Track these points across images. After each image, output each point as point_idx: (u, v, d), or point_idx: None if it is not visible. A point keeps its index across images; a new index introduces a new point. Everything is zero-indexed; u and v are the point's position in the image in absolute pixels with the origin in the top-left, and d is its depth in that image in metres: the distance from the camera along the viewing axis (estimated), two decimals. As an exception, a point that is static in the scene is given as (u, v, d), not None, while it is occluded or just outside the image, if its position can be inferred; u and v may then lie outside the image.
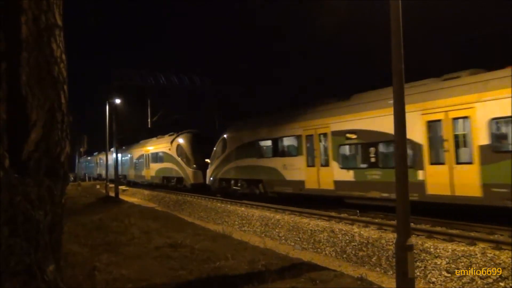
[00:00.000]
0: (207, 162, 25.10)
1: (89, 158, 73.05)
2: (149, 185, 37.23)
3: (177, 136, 29.40)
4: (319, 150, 16.00)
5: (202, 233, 12.08)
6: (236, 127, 22.82)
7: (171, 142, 29.44)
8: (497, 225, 10.79)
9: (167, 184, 31.45)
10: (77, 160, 71.80)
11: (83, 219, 15.02)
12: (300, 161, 16.89)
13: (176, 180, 29.30)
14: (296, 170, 17.05)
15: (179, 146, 28.29)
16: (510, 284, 7.63)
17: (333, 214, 15.14)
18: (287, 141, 18.22)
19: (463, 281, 8.28)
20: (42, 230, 1.75)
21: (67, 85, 2.04)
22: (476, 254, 8.65)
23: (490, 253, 8.55)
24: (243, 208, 18.70)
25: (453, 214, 12.08)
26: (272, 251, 9.91)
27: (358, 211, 14.81)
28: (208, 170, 24.40)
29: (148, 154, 34.81)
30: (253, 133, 20.43)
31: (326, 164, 15.68)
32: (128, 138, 47.26)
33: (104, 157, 48.49)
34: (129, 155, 41.72)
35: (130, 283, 6.88)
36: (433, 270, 8.96)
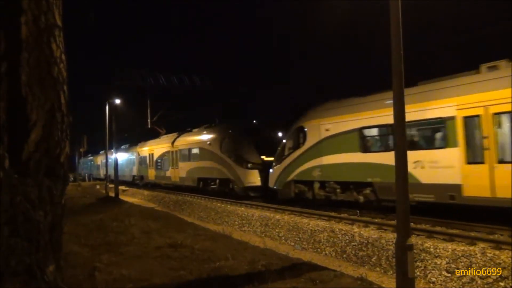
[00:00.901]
0: (264, 161, 20.80)
1: (92, 157, 69.30)
2: (152, 186, 36.87)
3: (220, 128, 24.66)
4: (492, 138, 10.88)
5: (202, 233, 12.08)
6: (324, 111, 16.59)
7: (212, 136, 24.46)
8: (497, 224, 10.79)
9: (203, 187, 25.50)
10: (77, 160, 71.16)
11: (83, 219, 15.02)
12: (451, 156, 11.72)
13: (220, 182, 23.60)
14: (442, 169, 12.04)
15: (224, 140, 23.05)
16: (510, 284, 7.64)
17: (333, 214, 15.14)
18: (424, 126, 12.87)
19: (463, 281, 8.28)
20: (43, 230, 1.75)
21: (67, 85, 2.04)
22: (476, 254, 8.65)
23: (490, 253, 8.56)
24: (243, 208, 18.70)
25: (453, 214, 12.09)
26: (272, 251, 9.91)
27: (358, 211, 14.81)
28: (273, 170, 18.73)
29: (175, 151, 28.95)
30: (357, 117, 14.73)
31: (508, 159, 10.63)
32: (128, 138, 47.06)
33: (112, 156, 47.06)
34: (147, 154, 35.56)
35: (131, 283, 6.88)
36: (433, 270, 8.96)
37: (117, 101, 31.95)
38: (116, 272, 7.50)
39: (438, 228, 11.47)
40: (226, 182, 22.81)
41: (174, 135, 31.10)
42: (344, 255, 11.33)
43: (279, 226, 14.68)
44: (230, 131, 23.32)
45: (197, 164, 25.98)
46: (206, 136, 25.17)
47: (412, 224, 11.08)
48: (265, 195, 20.52)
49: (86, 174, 71.28)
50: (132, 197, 33.35)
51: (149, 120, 38.44)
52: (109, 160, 39.38)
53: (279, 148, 18.87)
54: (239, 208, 18.78)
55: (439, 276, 8.74)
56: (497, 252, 8.58)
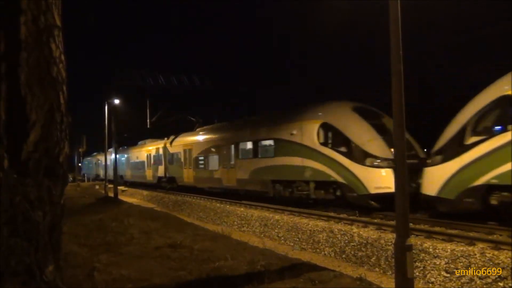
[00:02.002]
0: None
1: (99, 157, 62.20)
2: (150, 186, 36.59)
3: (313, 110, 16.99)
4: None
5: (201, 233, 12.08)
6: None
7: (299, 122, 17.05)
8: (496, 225, 10.80)
9: (279, 194, 18.30)
10: (76, 160, 70.65)
11: (83, 219, 15.02)
12: None
13: (317, 187, 16.14)
14: None
15: (324, 126, 15.82)
16: (509, 284, 7.64)
17: (332, 214, 15.14)
18: None
19: (462, 281, 8.29)
20: (42, 230, 1.76)
21: (66, 86, 2.04)
22: (475, 254, 8.66)
23: (489, 253, 8.56)
24: (242, 209, 18.70)
25: (452, 214, 12.09)
26: (271, 251, 9.92)
27: (357, 211, 14.81)
28: (435, 168, 11.92)
29: (230, 147, 22.09)
30: None
31: None
32: (128, 138, 46.83)
33: (125, 155, 43.40)
34: (181, 150, 28.42)
35: (130, 283, 6.88)
36: (432, 270, 8.97)
37: (116, 101, 31.92)
38: (115, 272, 7.49)
39: (437, 229, 11.48)
40: (328, 186, 15.65)
41: (220, 125, 26.26)
42: (343, 255, 11.33)
43: (278, 226, 14.68)
44: (340, 111, 16.11)
45: (270, 161, 18.53)
46: (287, 124, 17.72)
47: (411, 224, 11.11)
48: (415, 207, 12.81)
49: (88, 175, 66.96)
50: (131, 197, 33.35)
51: (148, 120, 38.42)
52: (120, 159, 39.38)
53: (448, 132, 11.92)
54: (238, 208, 18.79)
55: (438, 276, 8.75)
56: (496, 253, 8.58)
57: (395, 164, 6.49)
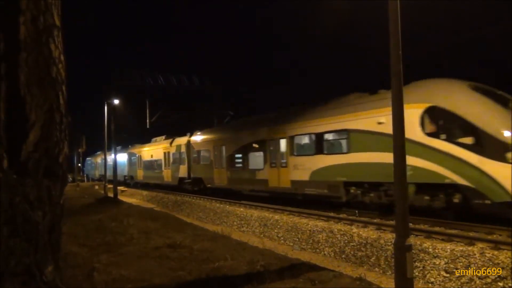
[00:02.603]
0: None
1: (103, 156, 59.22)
2: (148, 186, 36.48)
3: (414, 91, 12.57)
4: None
5: (201, 234, 12.08)
6: None
7: (387, 108, 10.49)
8: (495, 225, 10.81)
9: (354, 198, 14.86)
10: (76, 160, 69.90)
11: (82, 219, 15.02)
12: None
13: (423, 190, 12.41)
14: None
15: (435, 112, 12.07)
16: (509, 284, 7.65)
17: (332, 214, 15.14)
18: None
19: (461, 281, 8.29)
20: (41, 230, 1.75)
21: (66, 86, 2.04)
22: (475, 254, 8.67)
23: (489, 253, 8.57)
24: (242, 209, 18.71)
25: (452, 214, 12.09)
26: (271, 251, 9.92)
27: (356, 211, 14.81)
28: None
29: (281, 141, 18.30)
30: None
31: None
32: (128, 139, 46.60)
33: (136, 154, 39.58)
34: (210, 147, 24.93)
35: (130, 284, 6.88)
36: (431, 270, 8.97)
37: (116, 101, 31.91)
38: (115, 272, 7.49)
39: (437, 229, 11.48)
40: (437, 190, 12.11)
41: (264, 116, 21.43)
42: (343, 256, 11.33)
43: (278, 226, 14.68)
44: (445, 92, 12.34)
45: (342, 158, 14.78)
46: (371, 111, 13.93)
47: (411, 224, 11.11)
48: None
49: (92, 176, 62.77)
50: (130, 197, 33.35)
51: (148, 120, 38.40)
52: (120, 160, 38.52)
53: None
54: (238, 209, 18.79)
55: (438, 276, 8.75)
56: (495, 253, 8.59)
57: (394, 166, 6.48)
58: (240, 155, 21.75)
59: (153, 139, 36.72)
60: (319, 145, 16.17)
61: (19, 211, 1.65)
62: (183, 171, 28.68)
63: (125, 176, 43.98)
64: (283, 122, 18.56)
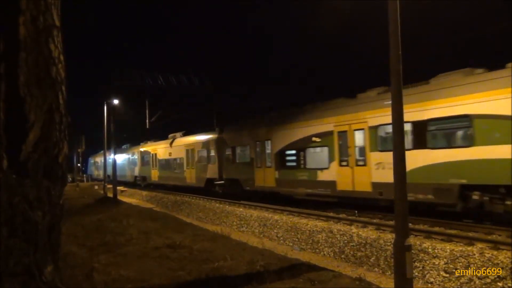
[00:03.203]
0: None
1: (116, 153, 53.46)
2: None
3: None
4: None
5: (200, 234, 12.07)
6: None
7: None
8: (495, 225, 10.82)
9: (486, 208, 11.02)
10: (75, 160, 69.34)
11: (82, 219, 15.00)
12: None
13: None
14: None
15: None
16: (509, 284, 7.65)
17: (331, 214, 15.15)
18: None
19: (461, 281, 8.30)
20: (41, 230, 1.75)
21: (66, 86, 2.04)
22: (474, 254, 8.67)
23: (488, 253, 8.57)
24: (241, 209, 18.70)
25: (451, 214, 12.10)
26: (270, 251, 9.91)
27: (356, 211, 14.81)
28: None
29: (349, 134, 15.08)
30: None
31: None
32: (128, 139, 46.39)
33: (149, 152, 35.23)
34: (244, 143, 21.59)
35: (129, 284, 6.87)
36: (431, 270, 8.97)
37: (116, 101, 31.89)
38: (114, 272, 7.49)
39: (436, 229, 11.49)
40: None
41: (324, 104, 17.21)
42: (343, 256, 11.33)
43: (278, 226, 14.68)
44: None
45: (460, 154, 11.38)
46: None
47: (411, 224, 11.12)
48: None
49: (96, 176, 58.30)
50: (130, 197, 33.33)
51: (147, 120, 38.39)
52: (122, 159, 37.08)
53: None
54: (238, 209, 18.78)
55: (438, 276, 8.75)
56: (495, 253, 8.59)
57: (394, 166, 6.48)
58: (293, 152, 17.87)
59: (171, 135, 32.71)
60: (420, 137, 12.46)
61: (18, 211, 1.64)
62: (211, 171, 24.58)
63: (135, 176, 39.99)
64: (360, 110, 14.71)
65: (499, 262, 8.19)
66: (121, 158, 44.56)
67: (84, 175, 69.29)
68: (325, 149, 16.05)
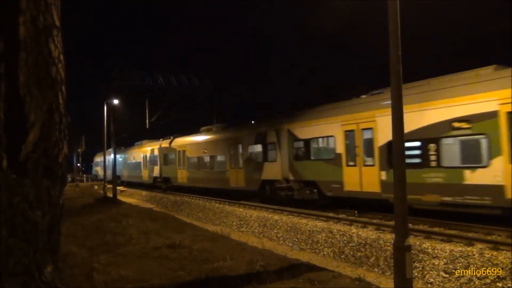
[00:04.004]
0: None
1: (127, 151, 44.27)
2: (147, 186, 36.04)
3: None
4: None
5: (200, 234, 12.07)
6: None
7: None
8: (494, 225, 10.81)
9: None
10: (75, 160, 68.95)
11: (82, 220, 15.00)
12: None
13: None
14: None
15: None
16: (508, 285, 7.65)
17: (331, 214, 15.14)
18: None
19: (461, 281, 8.30)
20: (41, 230, 1.75)
21: (66, 86, 2.04)
22: (474, 255, 8.67)
23: (488, 254, 8.57)
24: (241, 209, 18.70)
25: (451, 215, 12.09)
26: (270, 251, 9.91)
27: (356, 211, 14.80)
28: None
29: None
30: None
31: None
32: (127, 138, 46.11)
33: (175, 149, 29.59)
34: (323, 133, 16.43)
35: (129, 284, 6.87)
36: (431, 270, 8.97)
37: (116, 101, 31.88)
38: (114, 272, 7.48)
39: (436, 229, 11.49)
40: None
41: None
42: (342, 256, 11.33)
43: (277, 226, 14.68)
44: None
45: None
46: None
47: (410, 225, 11.12)
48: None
49: (97, 176, 53.77)
50: (130, 197, 33.32)
51: (147, 121, 38.37)
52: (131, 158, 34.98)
53: None
54: (237, 209, 18.78)
55: (437, 276, 8.75)
56: (495, 253, 8.59)
57: (394, 166, 6.48)
58: (416, 144, 12.40)
59: (204, 128, 28.08)
60: None
61: (18, 211, 1.64)
62: (273, 171, 19.01)
63: (155, 177, 34.29)
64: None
65: (498, 262, 8.19)
66: (134, 157, 39.91)
67: (84, 175, 68.99)
68: (481, 138, 10.93)
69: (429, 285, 8.75)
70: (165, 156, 32.28)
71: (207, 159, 25.82)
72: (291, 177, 17.91)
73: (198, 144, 27.06)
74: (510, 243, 9.13)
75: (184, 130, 31.65)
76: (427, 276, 8.92)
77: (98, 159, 58.16)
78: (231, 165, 22.81)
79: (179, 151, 29.59)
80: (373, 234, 11.41)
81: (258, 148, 20.59)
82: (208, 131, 27.12)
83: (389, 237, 10.61)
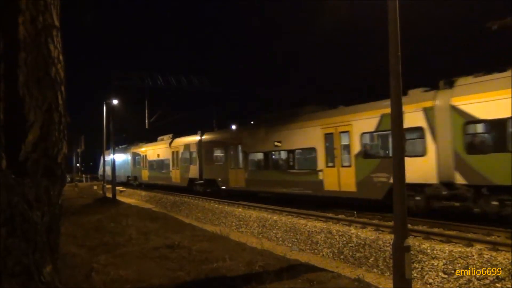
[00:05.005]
0: None
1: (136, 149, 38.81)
2: (147, 186, 35.98)
3: None
4: None
5: (199, 234, 12.06)
6: None
7: None
8: (494, 226, 10.82)
9: None
10: (74, 160, 68.15)
11: (81, 220, 14.99)
12: None
13: None
14: None
15: None
16: (507, 285, 7.66)
17: (330, 215, 15.15)
18: None
19: (460, 282, 8.30)
20: (40, 231, 1.75)
21: (65, 86, 2.04)
22: (473, 255, 8.68)
23: (487, 254, 8.58)
24: (240, 209, 18.70)
25: (450, 215, 12.11)
26: (269, 252, 9.91)
27: (355, 212, 14.81)
28: None
29: None
30: None
31: None
32: (126, 139, 46.01)
33: (227, 144, 22.97)
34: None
35: (128, 284, 6.87)
36: (430, 271, 8.98)
37: (115, 102, 31.86)
38: (113, 272, 7.48)
39: (435, 230, 11.50)
40: None
41: None
42: (342, 256, 11.33)
43: (277, 227, 14.68)
44: None
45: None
46: None
47: (410, 225, 11.13)
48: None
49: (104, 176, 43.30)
50: (129, 197, 33.30)
51: (147, 121, 38.35)
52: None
53: None
54: (237, 209, 18.78)
55: (436, 277, 8.76)
56: (494, 254, 8.60)
57: (393, 165, 6.48)
58: None
59: (268, 116, 21.71)
60: None
61: (17, 211, 1.64)
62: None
63: (192, 179, 27.27)
64: None
65: (498, 263, 8.20)
66: (158, 154, 33.43)
67: (83, 175, 68.74)
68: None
69: (428, 285, 8.76)
70: (207, 153, 25.68)
71: (281, 155, 19.65)
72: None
73: (265, 134, 20.33)
74: (509, 243, 9.13)
75: (183, 130, 31.34)
76: (426, 276, 8.93)
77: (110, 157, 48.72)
78: (325, 161, 16.56)
79: (231, 148, 23.02)
80: (372, 234, 11.41)
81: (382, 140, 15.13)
82: (288, 117, 19.39)
83: (388, 237, 10.61)
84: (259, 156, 21.07)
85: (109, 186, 32.76)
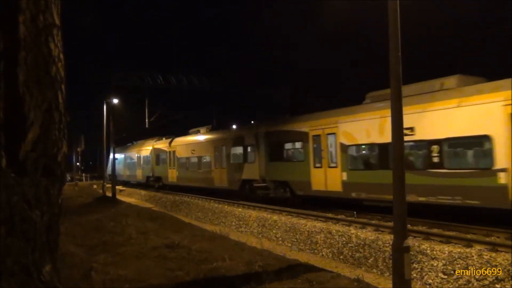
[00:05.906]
0: None
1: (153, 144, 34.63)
2: (147, 186, 35.93)
3: None
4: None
5: (199, 234, 12.06)
6: None
7: None
8: (493, 227, 10.83)
9: None
10: (74, 159, 67.84)
11: (80, 219, 14.98)
12: None
13: None
14: None
15: None
16: (507, 286, 7.65)
17: (330, 215, 15.15)
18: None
19: (459, 282, 8.30)
20: (39, 230, 1.75)
21: (65, 85, 2.04)
22: (473, 256, 8.67)
23: (487, 255, 8.58)
24: (240, 209, 18.70)
25: (450, 216, 12.11)
26: (269, 252, 9.91)
27: (355, 212, 14.81)
28: None
29: None
30: None
31: None
32: (127, 138, 45.95)
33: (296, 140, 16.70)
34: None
35: (127, 284, 6.86)
36: (429, 271, 8.97)
37: (115, 101, 31.85)
38: (113, 272, 7.48)
39: (435, 230, 11.50)
40: None
41: None
42: (341, 257, 11.33)
43: (276, 227, 14.68)
44: None
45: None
46: None
47: (409, 226, 11.11)
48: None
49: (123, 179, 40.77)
50: (129, 197, 33.28)
51: (147, 120, 38.33)
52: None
53: None
54: (236, 209, 18.78)
55: (436, 277, 8.75)
56: (493, 254, 8.60)
57: (393, 167, 6.48)
58: None
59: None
60: None
61: (17, 211, 1.64)
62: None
63: (244, 180, 21.47)
64: None
65: (497, 264, 8.19)
66: (192, 150, 27.28)
67: (83, 174, 68.71)
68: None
69: (428, 286, 8.76)
70: (273, 148, 19.62)
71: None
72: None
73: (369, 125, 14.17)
74: (509, 244, 9.14)
75: (183, 130, 31.14)
76: (425, 277, 8.93)
77: (122, 155, 43.50)
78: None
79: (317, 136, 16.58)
80: (372, 235, 11.41)
81: None
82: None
83: (388, 238, 10.61)
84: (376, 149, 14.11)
85: (109, 185, 32.75)
